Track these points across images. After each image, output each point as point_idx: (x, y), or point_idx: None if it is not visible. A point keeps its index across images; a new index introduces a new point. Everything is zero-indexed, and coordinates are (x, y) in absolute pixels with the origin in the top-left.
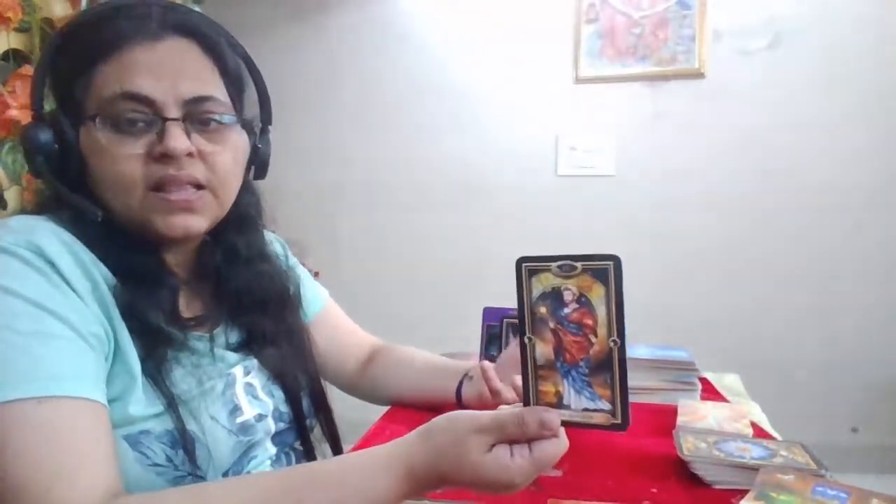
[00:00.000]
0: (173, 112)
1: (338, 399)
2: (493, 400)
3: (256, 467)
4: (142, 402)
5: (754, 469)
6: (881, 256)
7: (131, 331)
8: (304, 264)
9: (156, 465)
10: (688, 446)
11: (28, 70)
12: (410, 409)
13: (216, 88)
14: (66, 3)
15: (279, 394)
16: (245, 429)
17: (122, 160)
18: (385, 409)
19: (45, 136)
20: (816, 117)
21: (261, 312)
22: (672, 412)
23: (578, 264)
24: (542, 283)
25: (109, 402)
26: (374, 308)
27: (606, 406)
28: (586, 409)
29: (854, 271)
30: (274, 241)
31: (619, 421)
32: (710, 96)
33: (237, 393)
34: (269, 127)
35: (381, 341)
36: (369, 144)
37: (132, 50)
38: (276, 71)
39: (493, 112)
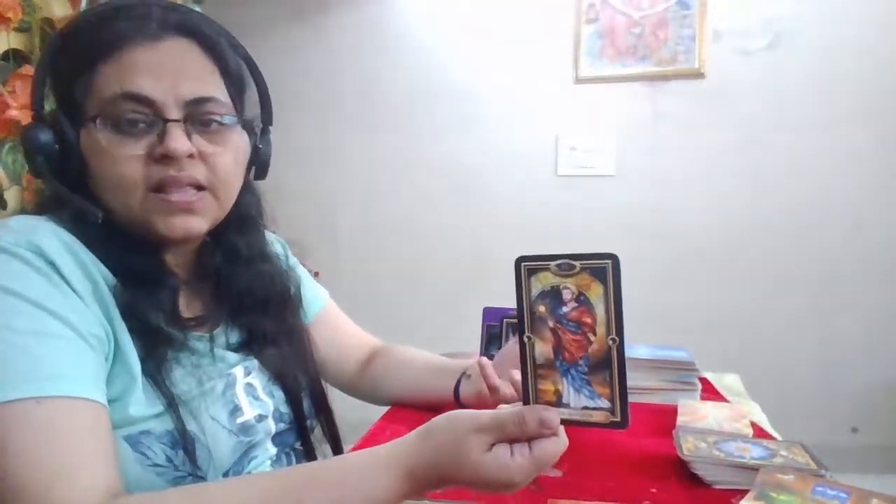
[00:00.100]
0: (174, 113)
1: (338, 399)
2: (492, 397)
3: (257, 468)
4: (142, 403)
5: (754, 469)
6: (881, 256)
7: (131, 331)
8: (304, 265)
9: (156, 465)
10: (688, 446)
11: (28, 70)
12: (410, 409)
13: (217, 89)
14: (66, 3)
15: (279, 394)
16: (245, 429)
17: (122, 161)
18: (385, 409)
19: (45, 136)
20: (816, 117)
21: (261, 313)
22: (672, 412)
23: (577, 263)
24: (541, 282)
25: (109, 402)
26: (374, 308)
27: (606, 404)
28: (586, 408)
29: (854, 271)
30: (274, 242)
31: (618, 419)
32: (710, 96)
33: (237, 393)
34: (270, 127)
35: (380, 342)
36: (369, 145)
37: (132, 50)
38: (276, 71)
39: (493, 112)
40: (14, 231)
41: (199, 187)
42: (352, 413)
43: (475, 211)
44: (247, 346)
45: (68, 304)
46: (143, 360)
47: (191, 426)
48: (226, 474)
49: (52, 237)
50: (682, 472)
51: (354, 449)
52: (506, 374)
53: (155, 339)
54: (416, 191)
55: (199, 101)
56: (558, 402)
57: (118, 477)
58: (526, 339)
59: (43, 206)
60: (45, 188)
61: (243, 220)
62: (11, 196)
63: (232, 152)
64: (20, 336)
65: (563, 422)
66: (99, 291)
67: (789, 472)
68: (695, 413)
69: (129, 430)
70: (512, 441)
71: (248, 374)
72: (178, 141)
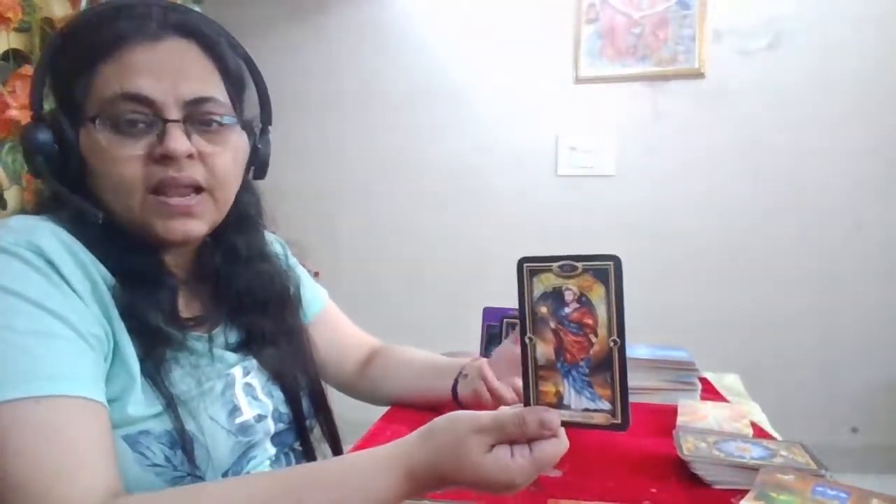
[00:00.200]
0: (174, 113)
1: (338, 400)
2: (494, 402)
3: (256, 468)
4: (141, 403)
5: (754, 469)
6: (881, 256)
7: (130, 331)
8: (303, 265)
9: (155, 465)
10: (688, 446)
11: (28, 70)
12: (410, 410)
13: (216, 89)
14: (66, 3)
15: (279, 394)
16: (244, 429)
17: (122, 161)
18: (385, 409)
19: (44, 136)
20: (816, 117)
21: (260, 313)
22: (672, 412)
23: (579, 264)
24: (543, 284)
25: (109, 402)
26: (374, 308)
27: (607, 406)
28: (586, 409)
29: (854, 271)
30: (274, 242)
31: (619, 421)
32: (710, 96)
33: (236, 393)
34: (269, 127)
35: (379, 342)
36: (369, 144)
37: (132, 50)
38: (276, 71)
39: (493, 112)
40: (14, 231)
41: (198, 189)
42: (352, 413)
43: (475, 211)
44: (246, 346)
45: (68, 303)
46: (142, 360)
47: (189, 426)
48: (225, 474)
49: (51, 237)
50: (682, 472)
51: (354, 449)
52: (503, 375)
53: (154, 339)
54: (416, 191)
55: (199, 101)
56: (559, 404)
57: (118, 476)
58: (527, 340)
59: (42, 206)
60: (45, 188)
61: (242, 219)
62: (11, 196)
63: (231, 152)
64: (20, 336)
65: (564, 423)
66: (98, 291)
67: (789, 472)
68: (695, 413)
69: (128, 430)
70: (512, 442)
71: (246, 374)
72: (178, 141)
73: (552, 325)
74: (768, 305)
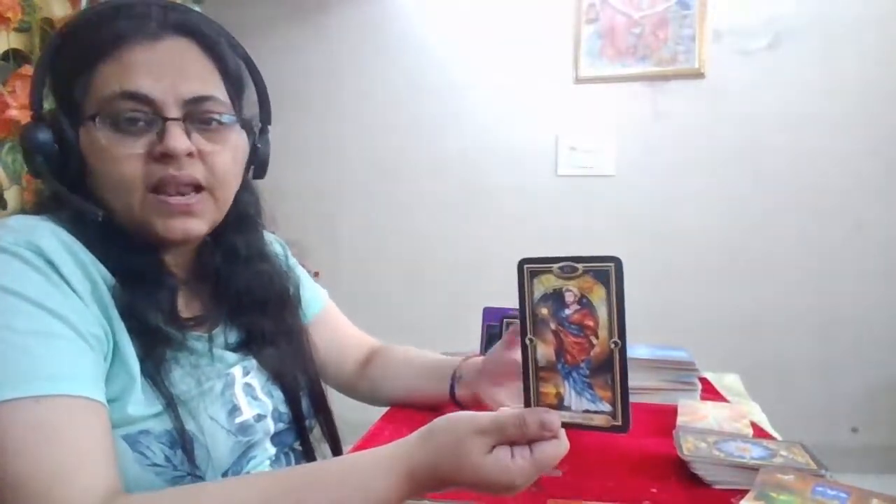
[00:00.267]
0: (173, 112)
1: (337, 400)
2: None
3: (255, 468)
4: (141, 403)
5: (754, 469)
6: (881, 256)
7: (130, 331)
8: (303, 265)
9: (155, 465)
10: (688, 446)
11: (28, 70)
12: (410, 410)
13: (216, 88)
14: (66, 3)
15: (278, 394)
16: (244, 429)
17: (121, 160)
18: (385, 409)
19: (44, 135)
20: (816, 117)
21: (260, 312)
22: (672, 412)
23: (580, 266)
24: (543, 285)
25: (108, 402)
26: (374, 308)
27: (607, 408)
28: (587, 411)
29: (854, 271)
30: (274, 242)
31: (619, 423)
32: (710, 96)
33: (236, 393)
34: (269, 127)
35: (379, 342)
36: (369, 144)
37: (132, 50)
38: (276, 71)
39: (493, 112)
40: (13, 231)
41: (198, 188)
42: (352, 413)
43: (475, 211)
44: (245, 346)
45: (67, 303)
46: (141, 360)
47: (189, 426)
48: (224, 474)
49: (51, 237)
50: (682, 472)
51: (354, 449)
52: (500, 380)
53: (154, 339)
54: (416, 191)
55: (199, 100)
56: (559, 405)
57: (118, 476)
58: (528, 342)
59: (42, 206)
60: (45, 188)
61: (242, 219)
62: (11, 196)
63: (231, 151)
64: (20, 336)
65: (564, 425)
66: (98, 291)
67: (789, 472)
68: (695, 413)
69: (128, 430)
70: (512, 443)
71: (246, 373)
72: (178, 139)
73: (553, 326)
74: (768, 305)
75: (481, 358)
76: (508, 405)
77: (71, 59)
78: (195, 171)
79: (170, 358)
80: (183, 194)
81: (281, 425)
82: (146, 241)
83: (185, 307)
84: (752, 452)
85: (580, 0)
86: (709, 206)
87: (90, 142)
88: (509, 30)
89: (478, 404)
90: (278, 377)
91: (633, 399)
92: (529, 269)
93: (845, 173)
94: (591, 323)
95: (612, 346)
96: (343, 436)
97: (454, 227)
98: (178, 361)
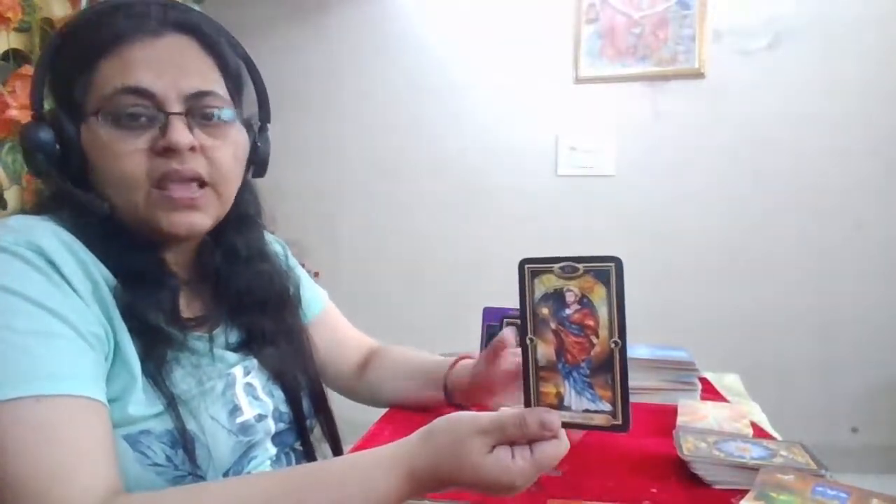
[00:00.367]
0: (175, 106)
1: (338, 400)
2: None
3: (256, 468)
4: (142, 402)
5: (754, 469)
6: (881, 256)
7: (131, 331)
8: (303, 265)
9: (156, 464)
10: (688, 446)
11: (28, 70)
12: (411, 410)
13: (216, 84)
14: (66, 3)
15: (279, 394)
16: (245, 429)
17: (124, 156)
18: (385, 409)
19: (45, 134)
20: (816, 117)
21: (260, 312)
22: (672, 412)
23: (580, 266)
24: (544, 285)
25: (109, 401)
26: (374, 308)
27: (607, 407)
28: (587, 411)
29: (854, 271)
30: (274, 242)
31: (619, 422)
32: (710, 96)
33: (237, 393)
34: (268, 125)
35: (378, 343)
36: (369, 144)
37: (132, 47)
38: (276, 71)
39: (493, 112)
40: (14, 230)
41: (201, 183)
42: (352, 413)
43: (475, 211)
44: (246, 346)
45: (68, 303)
46: (142, 360)
47: (190, 426)
48: (226, 474)
49: (51, 237)
50: (682, 472)
51: (354, 449)
52: (495, 388)
53: (155, 338)
54: (416, 191)
55: (200, 95)
56: (560, 405)
57: (118, 476)
58: (528, 342)
59: (42, 206)
60: (46, 187)
61: (242, 218)
62: (11, 196)
63: (232, 147)
64: (20, 336)
65: (565, 424)
66: (99, 291)
67: (789, 472)
68: (695, 413)
69: (129, 430)
70: (513, 443)
71: (247, 373)
72: (181, 133)
73: (553, 326)
74: (768, 305)
75: (471, 362)
76: (507, 405)
77: (71, 57)
78: (198, 165)
79: (171, 358)
80: (186, 188)
81: (282, 425)
82: (149, 238)
83: (186, 307)
84: (752, 452)
85: (580, 0)
86: (709, 206)
87: (92, 139)
88: (509, 30)
89: (476, 405)
90: (279, 377)
91: (633, 399)
92: (530, 269)
93: (845, 173)
94: (591, 323)
95: (613, 345)
96: (343, 436)
97: (454, 227)
98: (179, 361)
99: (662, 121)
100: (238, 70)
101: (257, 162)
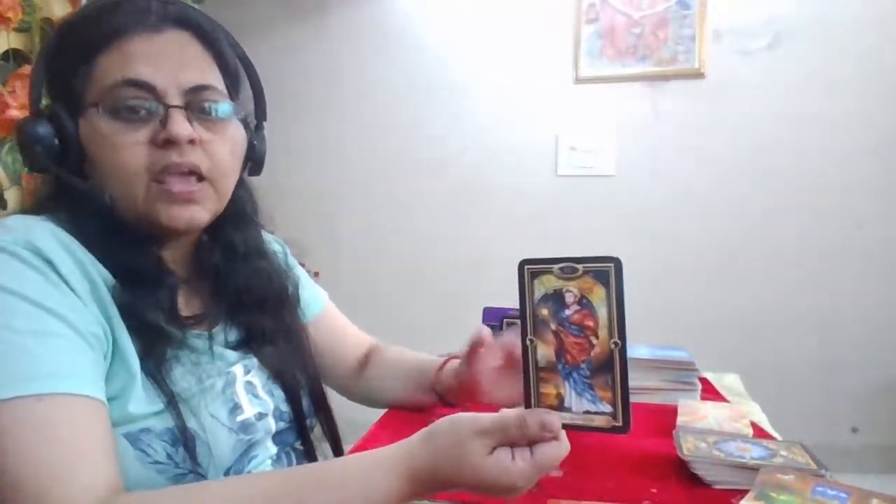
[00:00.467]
0: (175, 99)
1: (338, 399)
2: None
3: (257, 466)
4: (142, 400)
5: (754, 469)
6: (881, 256)
7: (130, 330)
8: (303, 265)
9: (156, 462)
10: (688, 446)
11: (28, 70)
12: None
13: (215, 79)
14: (66, 3)
15: (279, 393)
16: (245, 427)
17: (124, 148)
18: (385, 409)
19: (43, 128)
20: (816, 117)
21: (259, 311)
22: (672, 412)
23: (580, 266)
24: (544, 286)
25: (109, 400)
26: (374, 308)
27: (608, 408)
28: (587, 412)
29: (854, 271)
30: (273, 242)
31: (620, 423)
32: (710, 96)
33: (237, 391)
34: (265, 124)
35: (376, 342)
36: (369, 144)
37: (132, 41)
38: (276, 71)
39: (493, 112)
40: (11, 230)
41: (199, 178)
42: (352, 413)
43: (475, 211)
44: (245, 345)
45: (66, 302)
46: (142, 359)
47: (191, 423)
48: (227, 472)
49: (49, 236)
50: (682, 472)
51: (354, 449)
52: (486, 389)
53: (154, 337)
54: (416, 191)
55: (199, 89)
56: (560, 406)
57: (118, 474)
58: (528, 343)
59: (40, 206)
60: (44, 184)
61: (239, 216)
62: (11, 196)
63: (230, 142)
64: (19, 335)
65: (565, 426)
66: (97, 290)
67: (789, 472)
68: (695, 413)
69: (129, 428)
70: (513, 445)
71: (247, 372)
72: (181, 126)
73: (553, 326)
74: (768, 305)
75: (457, 361)
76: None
77: (71, 51)
78: (196, 158)
79: (170, 356)
80: (185, 182)
81: (282, 424)
82: (147, 233)
83: (185, 305)
84: (752, 452)
85: (580, 0)
86: (709, 206)
87: (91, 131)
88: (509, 30)
89: (472, 405)
90: (279, 376)
91: (633, 399)
92: (530, 270)
93: (845, 173)
94: (591, 323)
95: (613, 346)
96: (343, 435)
97: (454, 227)
98: (179, 359)
99: (662, 121)
100: (236, 68)
101: (254, 160)
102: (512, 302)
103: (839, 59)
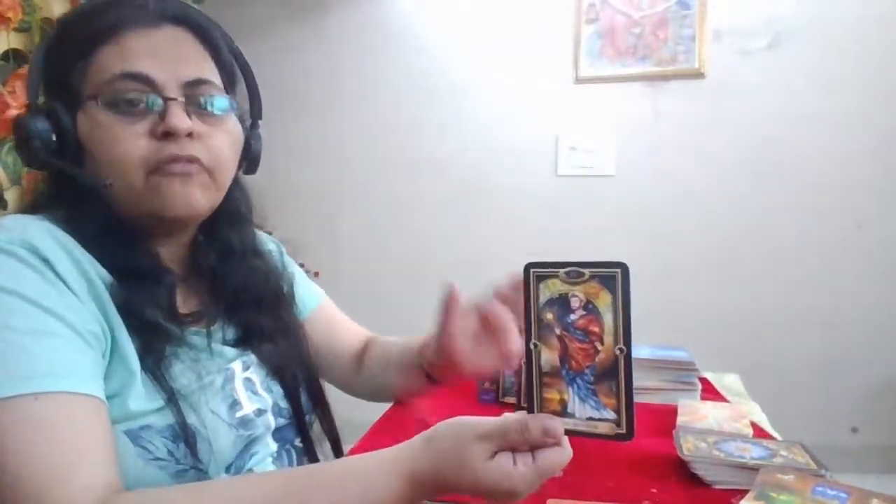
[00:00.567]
0: (174, 92)
1: (337, 399)
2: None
3: (258, 463)
4: (142, 397)
5: (754, 469)
6: (882, 256)
7: (129, 327)
8: (303, 265)
9: (157, 459)
10: (688, 446)
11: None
12: (410, 410)
13: (212, 74)
14: (65, 3)
15: (278, 389)
16: (245, 423)
17: (122, 140)
18: (385, 408)
19: (40, 123)
20: (816, 117)
21: (256, 309)
22: (672, 412)
23: (586, 271)
24: (549, 289)
25: (108, 398)
26: (374, 308)
27: (611, 415)
28: (591, 418)
29: (854, 271)
30: (268, 241)
31: (623, 431)
32: (710, 96)
33: (236, 388)
34: (260, 122)
35: (373, 334)
36: (369, 144)
37: (131, 35)
38: (276, 71)
39: (493, 112)
40: (8, 229)
41: (199, 167)
42: (352, 413)
43: (475, 211)
44: (243, 342)
45: (64, 301)
46: (141, 356)
47: (191, 420)
48: (228, 469)
49: (46, 235)
50: (682, 472)
51: (354, 449)
52: (465, 350)
53: (153, 334)
54: (416, 191)
55: (197, 83)
56: (563, 412)
57: (118, 473)
58: (532, 347)
59: (37, 206)
60: (43, 184)
61: (234, 216)
62: (11, 196)
63: (228, 137)
64: (17, 335)
65: (567, 432)
66: (94, 289)
67: (789, 472)
68: (695, 413)
69: (130, 425)
70: (515, 449)
71: (246, 368)
72: (180, 118)
73: (558, 331)
74: (768, 305)
75: (431, 338)
76: (482, 362)
77: (68, 48)
78: (195, 151)
79: (169, 353)
80: (184, 167)
81: (281, 420)
82: (145, 227)
83: (183, 303)
84: (752, 452)
85: (580, 0)
86: (709, 206)
87: (90, 124)
88: (509, 30)
89: (452, 377)
90: (277, 372)
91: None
92: (535, 273)
93: (845, 173)
94: (596, 329)
95: (618, 352)
96: (343, 436)
97: (454, 227)
98: (178, 356)
99: (662, 121)
100: (232, 66)
101: (249, 159)
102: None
103: (839, 59)
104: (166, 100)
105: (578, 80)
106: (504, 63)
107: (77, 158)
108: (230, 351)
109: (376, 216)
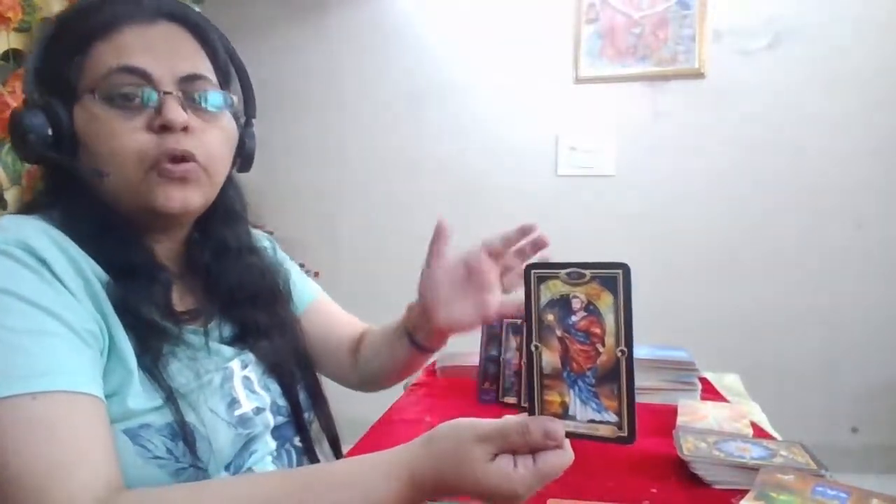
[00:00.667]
0: (170, 87)
1: (337, 399)
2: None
3: (257, 462)
4: (140, 396)
5: (754, 469)
6: (882, 256)
7: (126, 326)
8: (303, 265)
9: (157, 457)
10: (688, 446)
11: None
12: (410, 410)
13: (207, 70)
14: (65, 3)
15: (275, 387)
16: (244, 421)
17: (120, 134)
18: (385, 408)
19: (36, 118)
20: (816, 117)
21: (252, 306)
22: (672, 412)
23: (587, 272)
24: (550, 291)
25: (107, 397)
26: (373, 308)
27: (613, 418)
28: (592, 421)
29: (854, 271)
30: (262, 238)
31: (625, 434)
32: (710, 96)
33: (235, 386)
34: (254, 121)
35: (369, 326)
36: (369, 144)
37: (127, 31)
38: (276, 71)
39: (493, 112)
40: (4, 230)
41: (193, 163)
42: (352, 413)
43: (475, 211)
44: (240, 340)
45: (61, 300)
46: (138, 355)
47: (190, 418)
48: (227, 467)
49: (41, 235)
50: (682, 472)
51: (353, 449)
52: (447, 297)
53: (150, 333)
54: (416, 190)
55: (193, 78)
56: (564, 414)
57: (118, 471)
58: (533, 348)
59: (32, 206)
60: (39, 183)
61: (228, 213)
62: (11, 196)
63: (223, 133)
64: (14, 334)
65: (569, 434)
66: (91, 288)
67: (789, 472)
68: (695, 413)
69: (129, 424)
70: (515, 452)
71: (244, 367)
72: (176, 112)
73: (559, 333)
74: (768, 305)
75: (416, 304)
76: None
77: (64, 44)
78: (190, 145)
79: (167, 351)
80: (179, 166)
81: (280, 419)
82: (141, 223)
83: (179, 301)
84: (752, 452)
85: (580, 0)
86: (709, 206)
87: (86, 118)
88: (509, 30)
89: (438, 338)
90: (274, 370)
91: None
92: (537, 275)
93: (845, 173)
94: (597, 330)
95: (619, 354)
96: (343, 435)
97: (454, 227)
98: (176, 355)
99: (662, 121)
100: (227, 64)
101: (243, 157)
102: None
103: (839, 59)
104: (162, 94)
105: (578, 80)
106: (504, 63)
107: (73, 152)
108: (228, 349)
109: (376, 216)
